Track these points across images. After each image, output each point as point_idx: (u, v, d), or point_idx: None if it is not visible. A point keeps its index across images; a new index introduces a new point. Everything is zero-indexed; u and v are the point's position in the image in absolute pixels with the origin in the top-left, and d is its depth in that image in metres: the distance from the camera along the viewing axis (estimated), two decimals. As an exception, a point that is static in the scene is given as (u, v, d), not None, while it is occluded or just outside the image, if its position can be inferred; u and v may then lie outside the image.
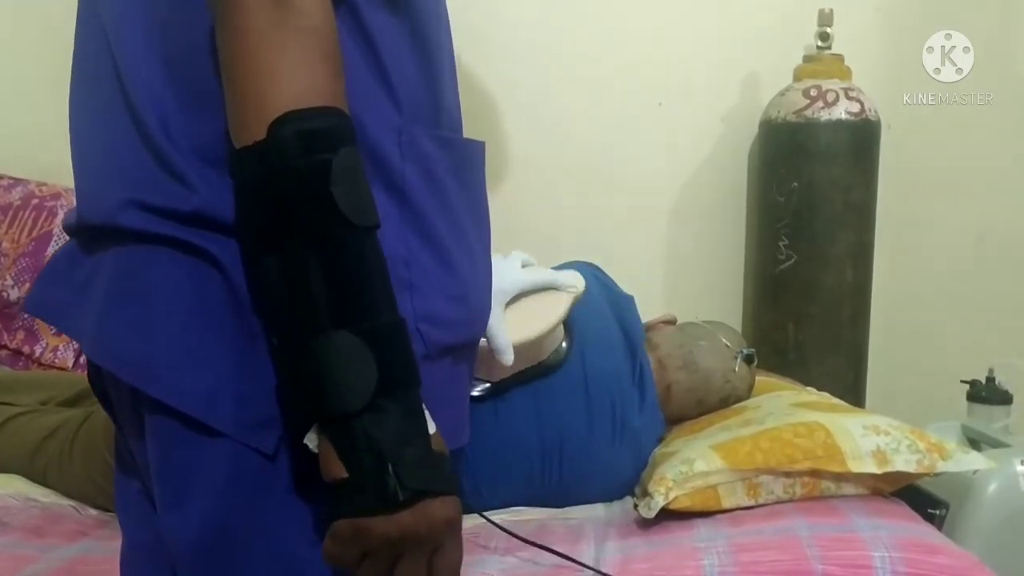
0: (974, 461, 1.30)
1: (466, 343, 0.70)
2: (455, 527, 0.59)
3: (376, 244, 0.58)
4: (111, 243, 0.64)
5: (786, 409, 1.38)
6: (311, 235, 0.56)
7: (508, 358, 1.16)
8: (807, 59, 1.94)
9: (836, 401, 1.51)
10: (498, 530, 1.21)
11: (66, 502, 1.38)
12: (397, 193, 0.64)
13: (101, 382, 0.72)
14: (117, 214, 0.62)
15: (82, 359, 1.81)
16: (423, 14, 0.68)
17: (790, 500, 1.24)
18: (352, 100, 0.60)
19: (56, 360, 1.80)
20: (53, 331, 1.82)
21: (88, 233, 0.67)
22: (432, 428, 0.59)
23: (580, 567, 1.09)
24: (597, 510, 1.33)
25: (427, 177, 0.67)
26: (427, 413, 0.59)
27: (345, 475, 0.56)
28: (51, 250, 1.84)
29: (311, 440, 0.58)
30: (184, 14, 0.61)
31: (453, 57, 0.74)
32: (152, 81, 0.62)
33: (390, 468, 0.55)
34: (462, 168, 0.72)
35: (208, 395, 0.60)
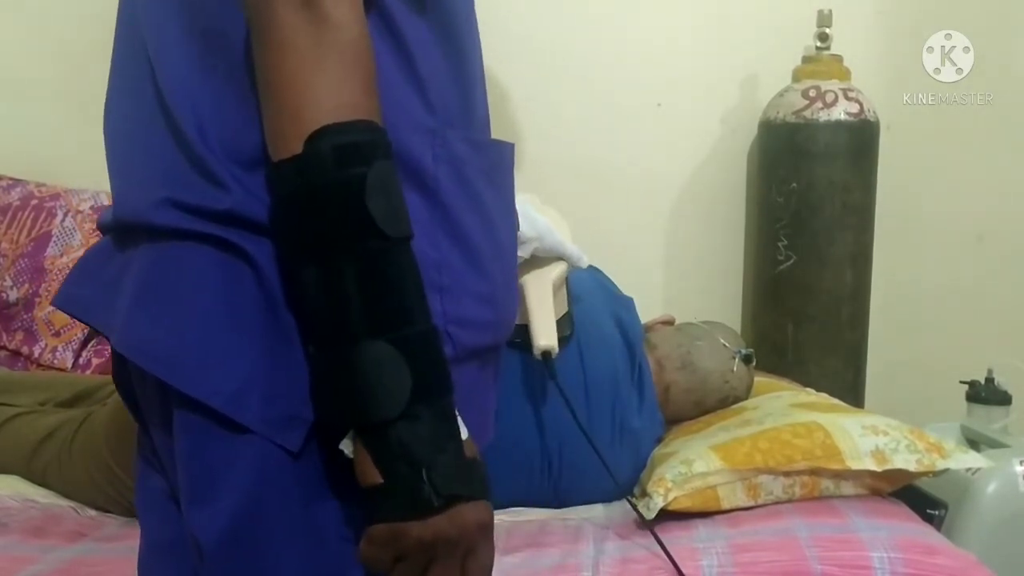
0: (973, 460, 1.30)
1: (492, 345, 0.71)
2: (487, 531, 0.61)
3: (410, 254, 0.59)
4: (144, 239, 0.65)
5: (785, 409, 1.38)
6: (347, 247, 0.57)
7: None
8: (806, 60, 1.94)
9: (835, 401, 1.51)
10: (498, 530, 1.20)
11: (65, 503, 1.38)
12: (429, 195, 0.65)
13: (126, 377, 0.72)
14: (151, 212, 0.63)
15: (81, 360, 1.81)
16: (455, 16, 0.69)
17: (789, 501, 1.24)
18: (383, 103, 0.60)
19: (55, 361, 1.80)
20: (52, 332, 1.82)
21: (122, 230, 0.68)
22: (465, 434, 0.60)
23: (585, 569, 1.09)
24: (596, 510, 1.33)
25: (460, 179, 0.67)
26: (459, 419, 0.60)
27: (381, 481, 0.57)
28: (50, 251, 1.84)
29: (346, 446, 0.59)
30: (224, 22, 0.63)
31: (482, 58, 0.75)
32: (190, 85, 0.64)
33: (424, 474, 0.56)
34: (494, 170, 0.72)
35: (236, 391, 0.61)
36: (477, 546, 0.60)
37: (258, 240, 0.61)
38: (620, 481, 1.27)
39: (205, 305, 0.62)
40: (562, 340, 1.24)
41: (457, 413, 0.60)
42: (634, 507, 1.19)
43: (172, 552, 0.72)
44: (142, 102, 0.66)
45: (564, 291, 1.33)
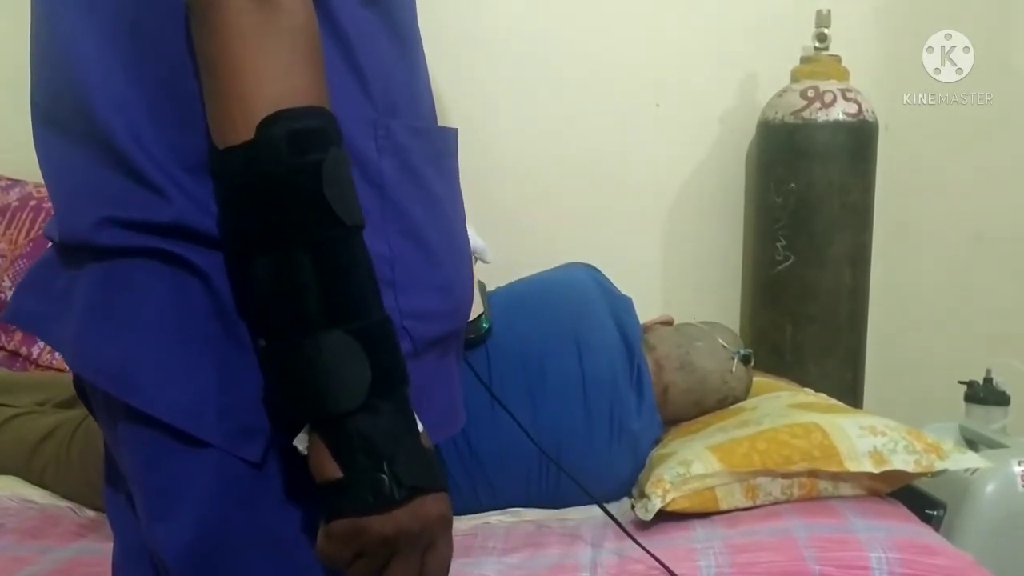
0: (971, 461, 1.30)
1: (451, 333, 0.70)
2: (447, 523, 0.60)
3: (363, 243, 0.58)
4: (89, 257, 0.63)
5: (783, 410, 1.38)
6: (303, 236, 0.55)
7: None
8: (804, 60, 1.94)
9: (833, 402, 1.51)
10: (496, 530, 1.21)
11: (63, 503, 1.38)
12: (376, 189, 0.64)
13: (84, 391, 0.72)
14: (93, 233, 0.61)
15: (80, 360, 1.81)
16: (398, 3, 0.67)
17: (787, 501, 1.24)
18: None
19: (54, 362, 1.79)
20: (51, 332, 1.82)
21: (67, 247, 0.66)
22: (420, 426, 0.59)
23: (583, 570, 1.09)
24: (594, 511, 1.32)
25: (405, 169, 0.66)
26: (415, 411, 0.59)
27: (340, 475, 0.55)
28: (49, 251, 1.84)
29: (301, 441, 0.58)
30: (145, 16, 0.61)
31: (422, 44, 0.73)
32: (115, 88, 0.61)
33: (385, 467, 0.55)
34: (440, 157, 0.71)
35: (192, 405, 0.60)
36: (437, 539, 0.59)
37: (206, 252, 0.60)
38: (617, 482, 1.26)
39: (155, 321, 0.60)
40: (477, 340, 1.23)
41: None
42: (608, 514, 1.18)
43: (141, 558, 0.71)
44: (65, 117, 0.65)
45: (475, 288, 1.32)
